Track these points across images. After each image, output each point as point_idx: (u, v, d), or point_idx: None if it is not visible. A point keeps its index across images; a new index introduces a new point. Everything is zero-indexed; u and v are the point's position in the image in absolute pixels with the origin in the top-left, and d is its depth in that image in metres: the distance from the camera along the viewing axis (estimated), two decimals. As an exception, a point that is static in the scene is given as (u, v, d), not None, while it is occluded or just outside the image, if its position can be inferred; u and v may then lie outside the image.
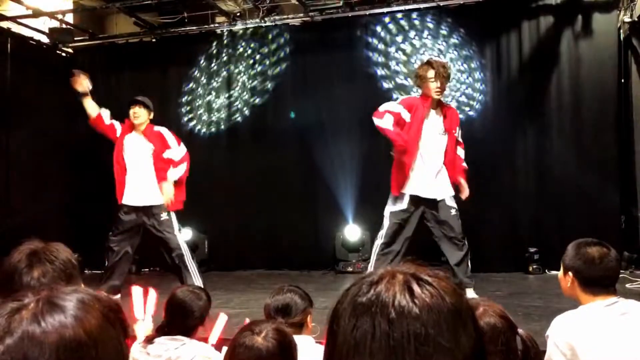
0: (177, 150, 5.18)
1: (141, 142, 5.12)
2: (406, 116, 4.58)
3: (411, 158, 4.56)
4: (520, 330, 1.48)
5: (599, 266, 2.10)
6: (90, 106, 5.14)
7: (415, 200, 4.59)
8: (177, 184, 5.12)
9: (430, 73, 4.53)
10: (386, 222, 4.64)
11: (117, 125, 5.18)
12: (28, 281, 1.45)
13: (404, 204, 4.59)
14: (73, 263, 1.55)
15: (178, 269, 5.06)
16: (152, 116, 5.20)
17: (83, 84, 5.02)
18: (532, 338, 1.50)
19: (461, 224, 4.65)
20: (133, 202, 5.07)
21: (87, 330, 0.71)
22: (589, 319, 2.01)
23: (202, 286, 4.99)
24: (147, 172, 5.09)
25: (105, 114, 5.20)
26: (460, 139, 4.81)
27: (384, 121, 4.55)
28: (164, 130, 5.20)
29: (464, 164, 4.79)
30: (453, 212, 4.60)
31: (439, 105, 4.71)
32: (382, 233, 4.64)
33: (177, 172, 5.14)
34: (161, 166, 5.09)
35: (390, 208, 4.64)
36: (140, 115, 5.08)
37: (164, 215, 5.05)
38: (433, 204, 4.60)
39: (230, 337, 1.87)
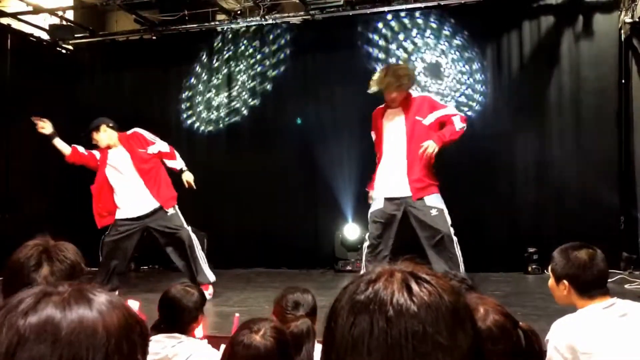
0: (161, 143, 5.12)
1: (121, 154, 5.05)
2: (373, 136, 4.71)
3: (378, 162, 4.61)
4: (520, 323, 1.48)
5: (592, 269, 2.10)
6: (62, 145, 5.04)
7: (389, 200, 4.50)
8: (165, 181, 5.10)
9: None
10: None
11: (96, 152, 5.10)
12: (35, 278, 1.45)
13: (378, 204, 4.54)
14: (81, 266, 1.54)
15: (189, 264, 5.01)
16: (113, 127, 5.05)
17: (46, 127, 4.94)
18: (531, 328, 1.50)
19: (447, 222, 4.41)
20: (131, 214, 4.99)
21: (107, 329, 0.71)
22: (589, 322, 2.01)
23: (214, 280, 5.02)
24: (136, 181, 5.01)
25: (80, 147, 5.11)
26: (455, 112, 4.59)
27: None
28: (139, 130, 5.12)
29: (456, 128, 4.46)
30: (434, 212, 4.40)
31: (403, 102, 4.56)
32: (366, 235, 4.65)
33: (180, 162, 5.14)
34: (147, 167, 5.02)
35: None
36: (100, 139, 4.99)
37: (170, 211, 5.02)
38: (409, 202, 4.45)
39: (227, 335, 1.87)
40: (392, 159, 4.50)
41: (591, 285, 2.10)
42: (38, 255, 1.48)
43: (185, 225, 5.07)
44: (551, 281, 2.23)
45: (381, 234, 4.49)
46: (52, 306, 0.71)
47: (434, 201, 4.41)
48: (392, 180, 4.47)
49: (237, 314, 2.75)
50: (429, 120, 4.46)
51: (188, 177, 5.11)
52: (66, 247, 1.54)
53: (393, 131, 4.53)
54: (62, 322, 0.69)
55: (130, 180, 5.00)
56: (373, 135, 4.75)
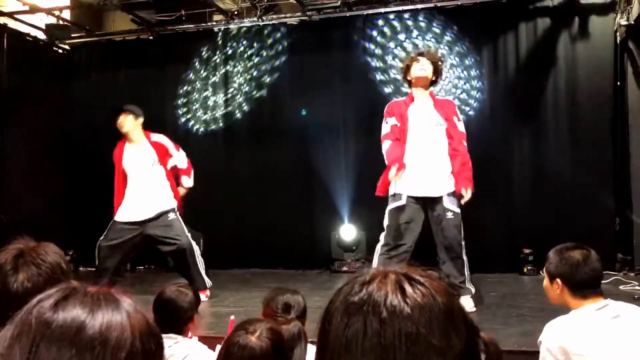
0: (179, 157, 5.12)
1: (146, 151, 5.00)
2: (392, 121, 4.37)
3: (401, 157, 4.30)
4: (482, 334, 1.48)
5: (585, 268, 2.11)
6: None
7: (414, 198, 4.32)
8: (172, 186, 5.10)
9: (411, 60, 4.38)
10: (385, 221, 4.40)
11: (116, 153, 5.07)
12: (12, 284, 1.41)
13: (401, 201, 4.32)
14: (62, 267, 1.49)
15: (187, 270, 4.96)
16: (140, 121, 5.03)
17: None
18: (494, 341, 1.50)
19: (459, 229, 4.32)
20: (133, 217, 4.92)
21: (133, 333, 0.72)
22: (582, 324, 2.02)
23: (210, 285, 5.00)
24: (148, 183, 4.96)
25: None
26: (463, 133, 4.44)
27: (383, 147, 4.38)
28: (163, 139, 5.10)
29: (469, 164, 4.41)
30: (449, 215, 4.28)
31: (429, 95, 4.43)
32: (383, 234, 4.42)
33: (190, 181, 5.15)
34: (163, 174, 5.04)
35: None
36: (125, 123, 4.92)
37: (171, 215, 4.96)
38: (431, 202, 4.31)
39: (223, 336, 1.87)
40: (419, 157, 4.29)
41: (584, 285, 2.11)
42: (13, 260, 1.44)
43: (185, 232, 5.02)
44: (545, 281, 2.24)
45: (403, 233, 4.29)
46: (80, 306, 0.71)
47: (450, 204, 4.30)
48: (416, 179, 4.27)
49: (232, 316, 2.75)
50: (454, 126, 4.36)
51: (184, 193, 5.14)
52: (45, 249, 1.50)
53: (422, 127, 4.30)
54: (89, 324, 0.70)
55: (143, 180, 4.95)
56: (392, 121, 4.36)
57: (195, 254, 4.98)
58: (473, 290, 4.41)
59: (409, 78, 4.42)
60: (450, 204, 4.29)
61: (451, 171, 4.32)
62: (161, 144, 5.05)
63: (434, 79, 4.43)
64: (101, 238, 4.97)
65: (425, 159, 4.29)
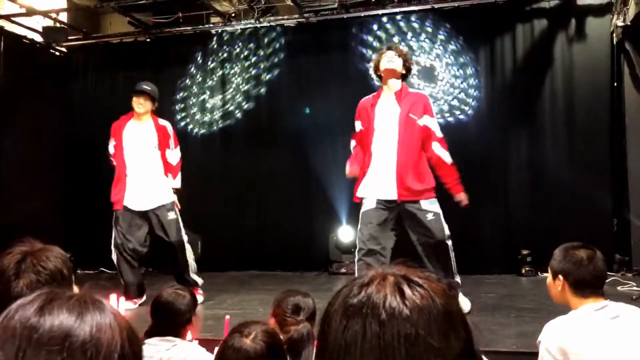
0: (174, 154, 5.04)
1: (149, 128, 4.93)
2: (358, 126, 4.35)
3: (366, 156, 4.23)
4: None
5: (588, 267, 2.12)
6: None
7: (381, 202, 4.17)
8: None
9: (380, 54, 4.30)
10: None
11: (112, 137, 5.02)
12: (13, 289, 1.42)
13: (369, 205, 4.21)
14: (63, 273, 1.48)
15: (177, 269, 4.95)
16: (155, 106, 5.04)
17: None
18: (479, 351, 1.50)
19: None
20: (136, 206, 4.88)
21: (122, 335, 0.72)
22: (581, 324, 2.02)
23: (202, 283, 4.95)
24: (148, 166, 4.89)
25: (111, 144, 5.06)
26: (438, 134, 4.23)
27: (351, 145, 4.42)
28: (168, 127, 5.06)
29: (447, 160, 4.23)
30: (430, 216, 4.10)
31: (399, 91, 4.22)
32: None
33: (177, 183, 5.03)
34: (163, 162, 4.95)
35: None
36: (145, 106, 4.90)
37: (171, 215, 4.90)
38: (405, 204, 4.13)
39: (221, 338, 1.87)
40: (384, 156, 4.16)
41: (586, 284, 2.12)
42: (15, 265, 1.44)
43: (182, 232, 4.97)
44: (549, 277, 2.25)
45: (376, 236, 4.13)
46: (67, 310, 0.70)
47: (429, 205, 4.15)
48: (383, 180, 4.14)
49: (227, 317, 2.74)
50: (423, 122, 4.16)
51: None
52: (47, 254, 1.49)
53: (385, 123, 4.17)
54: (77, 329, 0.69)
55: (142, 163, 4.89)
56: (359, 125, 4.35)
57: (186, 255, 4.94)
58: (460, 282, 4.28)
59: (378, 73, 4.30)
60: (429, 205, 4.12)
61: (427, 171, 4.18)
62: (166, 130, 5.00)
63: (403, 72, 4.27)
64: (114, 237, 4.89)
65: (391, 159, 4.12)
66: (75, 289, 1.51)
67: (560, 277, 2.17)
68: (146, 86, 4.96)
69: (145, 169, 4.88)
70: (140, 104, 4.89)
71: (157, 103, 5.06)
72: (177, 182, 5.03)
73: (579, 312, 2.08)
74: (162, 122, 5.05)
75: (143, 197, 4.86)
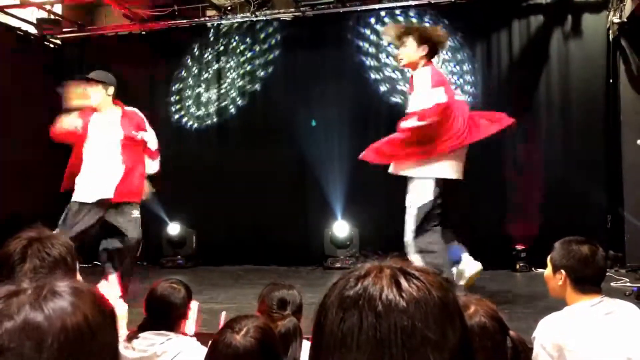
0: (151, 136, 4.61)
1: (111, 119, 4.41)
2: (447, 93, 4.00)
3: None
4: (511, 332, 1.49)
5: (591, 264, 2.10)
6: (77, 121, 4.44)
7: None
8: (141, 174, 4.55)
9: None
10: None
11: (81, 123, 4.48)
12: (18, 273, 1.44)
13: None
14: (67, 261, 1.50)
15: (112, 262, 4.40)
16: (111, 91, 4.44)
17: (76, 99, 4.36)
18: (522, 339, 1.51)
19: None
20: (88, 198, 4.37)
21: (86, 318, 0.70)
22: (575, 320, 2.02)
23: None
24: (112, 160, 4.39)
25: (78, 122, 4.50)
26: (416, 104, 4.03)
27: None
28: (138, 112, 4.60)
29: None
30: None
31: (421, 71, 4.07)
32: None
33: (155, 166, 4.62)
34: (130, 147, 4.43)
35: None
36: (92, 95, 4.34)
37: (135, 213, 4.43)
38: None
39: (215, 332, 1.86)
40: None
41: (587, 281, 2.11)
42: (21, 251, 1.47)
43: (139, 234, 4.43)
44: (548, 271, 2.23)
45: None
46: (28, 308, 0.67)
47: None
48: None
49: (224, 312, 2.73)
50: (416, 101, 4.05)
51: (148, 187, 4.61)
52: (53, 242, 1.51)
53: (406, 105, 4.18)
54: (43, 323, 0.67)
55: (107, 152, 4.37)
56: (445, 93, 3.95)
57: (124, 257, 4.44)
58: None
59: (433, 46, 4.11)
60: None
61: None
62: (136, 114, 4.54)
63: (423, 51, 4.05)
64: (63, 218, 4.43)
65: None
66: (79, 278, 1.52)
67: (562, 272, 2.14)
68: (91, 74, 4.45)
69: (107, 163, 4.46)
70: (84, 94, 4.37)
71: (111, 87, 4.46)
72: (153, 167, 4.65)
73: (574, 308, 2.09)
74: (129, 108, 4.59)
75: (99, 186, 4.45)
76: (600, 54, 5.98)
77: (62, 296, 0.70)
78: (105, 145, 4.42)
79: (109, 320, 0.74)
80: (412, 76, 4.19)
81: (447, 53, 6.40)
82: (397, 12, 6.57)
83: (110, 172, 4.39)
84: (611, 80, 5.95)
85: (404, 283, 0.72)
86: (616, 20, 5.67)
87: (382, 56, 6.59)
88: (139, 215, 4.49)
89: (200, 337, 2.60)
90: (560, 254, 2.16)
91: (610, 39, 5.93)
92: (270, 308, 2.28)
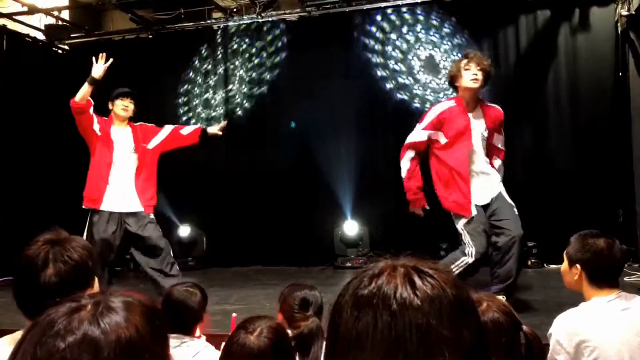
0: (167, 127, 4.77)
1: (127, 134, 4.57)
2: (440, 137, 3.98)
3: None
4: (524, 327, 1.48)
5: (607, 258, 2.07)
6: (85, 91, 4.53)
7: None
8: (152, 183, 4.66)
9: (464, 62, 3.97)
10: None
11: (95, 118, 4.62)
12: (41, 277, 1.45)
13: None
14: (88, 265, 1.51)
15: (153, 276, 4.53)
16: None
17: (100, 69, 4.56)
18: (535, 334, 1.50)
19: None
20: (117, 208, 4.46)
21: (137, 330, 0.75)
22: (592, 316, 2.00)
23: None
24: (130, 172, 4.54)
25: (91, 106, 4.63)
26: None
27: (403, 162, 4.02)
28: (145, 124, 4.75)
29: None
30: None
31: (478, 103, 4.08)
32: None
33: (194, 126, 4.83)
34: (145, 162, 4.57)
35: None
36: (131, 109, 4.59)
37: (150, 217, 4.54)
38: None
39: (227, 334, 1.87)
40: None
41: (603, 275, 2.07)
42: (45, 255, 1.47)
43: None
44: (564, 265, 2.19)
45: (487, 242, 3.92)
46: (87, 323, 0.72)
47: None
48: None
49: (234, 314, 2.74)
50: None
51: (215, 129, 4.80)
52: (73, 246, 1.52)
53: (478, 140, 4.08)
54: (99, 337, 0.72)
55: (127, 167, 4.53)
56: (436, 136, 4.01)
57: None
58: None
59: (457, 84, 4.09)
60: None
61: None
62: (145, 126, 4.69)
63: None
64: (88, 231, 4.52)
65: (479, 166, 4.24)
66: (96, 282, 1.53)
67: (578, 266, 2.11)
68: (131, 91, 4.69)
69: (125, 177, 4.60)
70: (127, 107, 4.61)
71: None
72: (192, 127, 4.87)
73: (591, 304, 2.06)
74: (137, 124, 4.75)
75: (123, 198, 4.58)
76: (608, 47, 5.93)
77: (116, 311, 0.75)
78: (126, 156, 4.57)
79: (158, 329, 0.78)
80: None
81: (451, 45, 6.38)
82: (404, 9, 6.55)
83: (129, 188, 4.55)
84: (620, 74, 5.90)
85: (418, 281, 0.72)
86: (624, 12, 5.63)
87: (389, 54, 6.57)
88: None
89: (212, 338, 2.61)
90: (576, 248, 2.13)
91: (619, 32, 5.89)
92: (292, 308, 2.28)
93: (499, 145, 4.27)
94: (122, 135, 4.61)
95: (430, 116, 4.03)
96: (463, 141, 3.99)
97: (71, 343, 0.70)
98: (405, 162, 4.03)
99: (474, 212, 3.93)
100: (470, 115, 4.05)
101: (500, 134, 4.27)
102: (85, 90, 4.52)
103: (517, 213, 4.05)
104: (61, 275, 1.45)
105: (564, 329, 2.01)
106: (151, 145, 4.65)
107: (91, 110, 4.58)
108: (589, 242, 2.10)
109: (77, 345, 0.70)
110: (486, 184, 4.10)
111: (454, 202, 3.97)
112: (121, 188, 4.51)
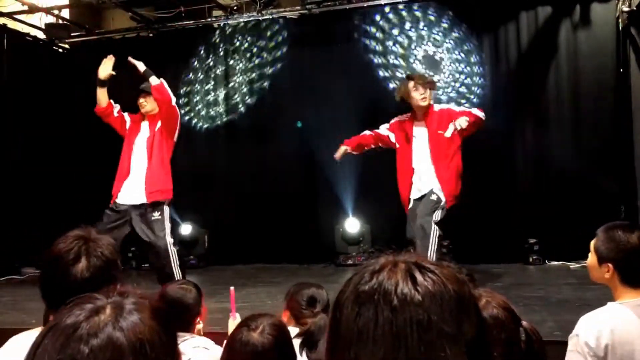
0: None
1: (147, 130, 4.70)
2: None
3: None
4: (524, 322, 1.48)
5: None
6: (102, 95, 4.66)
7: None
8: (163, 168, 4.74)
9: (411, 84, 4.56)
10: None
11: (127, 117, 4.78)
12: (72, 272, 1.47)
13: None
14: (116, 263, 1.55)
15: (161, 275, 4.60)
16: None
17: (105, 69, 4.60)
18: (535, 330, 1.50)
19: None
20: (130, 200, 4.57)
21: (153, 331, 0.76)
22: (622, 319, 1.88)
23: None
24: (145, 164, 4.64)
25: (115, 105, 4.79)
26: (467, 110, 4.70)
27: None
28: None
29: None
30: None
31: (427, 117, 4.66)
32: None
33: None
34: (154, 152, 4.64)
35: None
36: (147, 104, 4.69)
37: (156, 215, 4.60)
38: None
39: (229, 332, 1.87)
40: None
41: (637, 273, 1.92)
42: (78, 249, 1.49)
43: (168, 234, 4.64)
44: (592, 259, 2.03)
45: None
46: (110, 326, 0.74)
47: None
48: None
49: (232, 287, 2.73)
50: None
51: (134, 61, 4.70)
52: (103, 242, 1.54)
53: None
54: (123, 340, 0.73)
55: (143, 161, 4.65)
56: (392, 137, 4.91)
57: (171, 262, 4.62)
58: None
59: (408, 102, 4.72)
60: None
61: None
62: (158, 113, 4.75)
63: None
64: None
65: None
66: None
67: (610, 265, 1.94)
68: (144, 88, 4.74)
69: (142, 170, 4.71)
70: (142, 104, 4.72)
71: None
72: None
73: (622, 306, 1.92)
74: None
75: (136, 191, 4.69)
76: (609, 43, 5.92)
77: (132, 312, 0.76)
78: (143, 156, 4.69)
79: (167, 328, 0.80)
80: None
81: (453, 44, 6.38)
82: (401, 7, 6.54)
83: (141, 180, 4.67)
84: (621, 70, 5.89)
85: (419, 277, 0.72)
86: (625, 8, 5.61)
87: (390, 51, 6.56)
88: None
89: (213, 336, 2.61)
90: (607, 246, 1.95)
91: (620, 28, 5.87)
92: (300, 305, 2.30)
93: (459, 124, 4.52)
94: (142, 130, 4.74)
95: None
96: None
97: (95, 347, 0.71)
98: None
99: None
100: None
101: (449, 127, 4.59)
102: (98, 93, 4.65)
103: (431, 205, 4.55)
104: (93, 270, 1.47)
105: (593, 331, 1.86)
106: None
107: (115, 112, 4.71)
108: (622, 240, 1.93)
109: (101, 348, 0.71)
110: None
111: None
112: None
